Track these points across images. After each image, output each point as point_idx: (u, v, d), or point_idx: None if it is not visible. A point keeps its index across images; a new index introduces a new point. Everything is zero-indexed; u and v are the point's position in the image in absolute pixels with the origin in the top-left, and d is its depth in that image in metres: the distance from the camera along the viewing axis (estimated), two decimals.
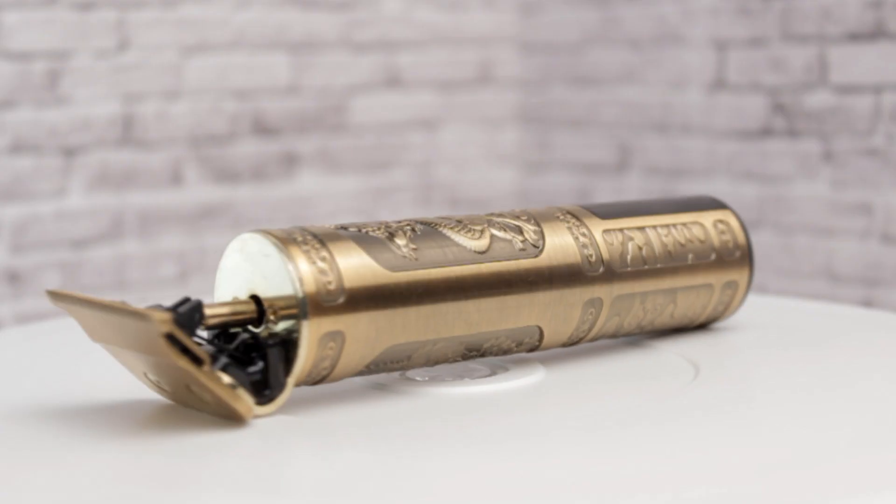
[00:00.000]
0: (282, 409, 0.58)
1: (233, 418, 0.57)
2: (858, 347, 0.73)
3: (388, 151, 1.67)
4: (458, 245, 0.62)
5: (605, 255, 0.67)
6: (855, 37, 1.38)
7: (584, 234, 0.67)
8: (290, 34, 1.58)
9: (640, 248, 0.69)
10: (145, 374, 0.59)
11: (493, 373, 0.66)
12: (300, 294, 0.57)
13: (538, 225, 0.66)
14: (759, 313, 0.85)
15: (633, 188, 1.63)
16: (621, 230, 0.68)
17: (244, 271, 0.59)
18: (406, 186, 1.69)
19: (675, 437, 0.56)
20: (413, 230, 0.62)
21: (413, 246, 0.61)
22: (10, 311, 1.40)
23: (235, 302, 0.59)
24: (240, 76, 1.54)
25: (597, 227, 0.68)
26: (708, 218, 0.73)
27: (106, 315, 0.56)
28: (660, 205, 0.72)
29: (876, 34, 1.36)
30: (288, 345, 0.57)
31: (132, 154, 1.47)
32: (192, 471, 0.52)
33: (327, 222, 1.60)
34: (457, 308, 0.61)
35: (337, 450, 0.54)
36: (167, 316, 0.53)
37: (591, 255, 0.66)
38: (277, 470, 0.52)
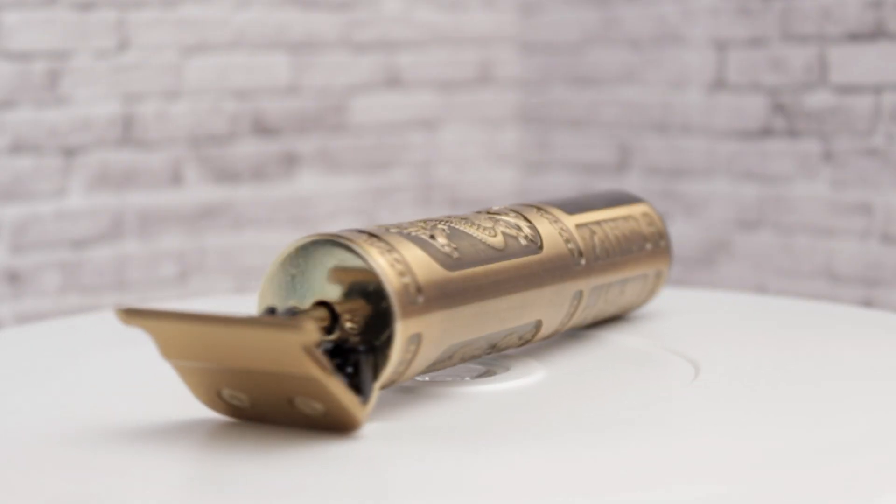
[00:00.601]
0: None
1: (338, 429, 0.54)
2: (858, 347, 0.73)
3: (388, 151, 1.67)
4: (483, 243, 0.62)
5: (583, 248, 0.68)
6: (855, 37, 1.38)
7: (563, 230, 0.67)
8: (290, 34, 1.58)
9: (603, 242, 0.70)
10: (218, 393, 0.55)
11: (493, 372, 0.66)
12: (392, 297, 0.55)
13: (528, 220, 0.66)
14: (759, 313, 0.85)
15: (633, 188, 1.63)
16: (586, 224, 0.70)
17: (308, 279, 0.56)
18: (406, 186, 1.69)
19: (676, 437, 0.56)
20: (444, 229, 0.61)
21: (453, 245, 0.60)
22: (10, 311, 1.40)
23: (308, 310, 0.56)
24: (240, 76, 1.54)
25: (569, 222, 0.69)
26: (636, 211, 0.75)
27: (209, 328, 0.52)
28: (594, 200, 0.74)
29: (876, 34, 1.36)
30: (375, 350, 0.56)
31: (132, 154, 1.47)
32: (310, 480, 0.50)
33: (327, 222, 1.60)
34: (494, 305, 0.61)
35: (437, 452, 0.53)
36: (315, 326, 0.50)
37: (573, 249, 0.67)
38: (405, 476, 0.51)
